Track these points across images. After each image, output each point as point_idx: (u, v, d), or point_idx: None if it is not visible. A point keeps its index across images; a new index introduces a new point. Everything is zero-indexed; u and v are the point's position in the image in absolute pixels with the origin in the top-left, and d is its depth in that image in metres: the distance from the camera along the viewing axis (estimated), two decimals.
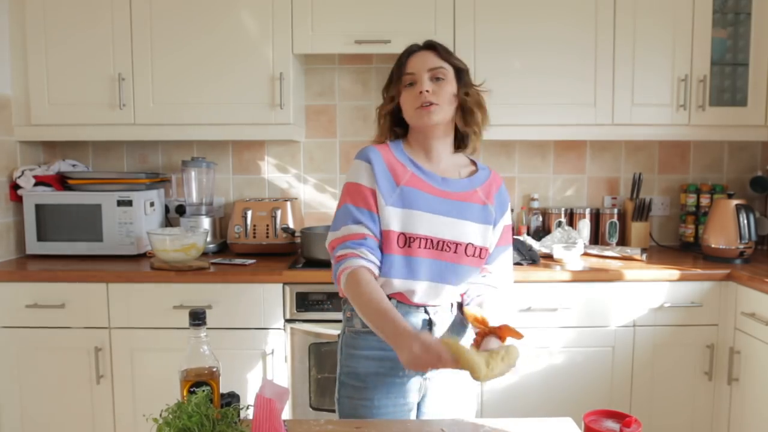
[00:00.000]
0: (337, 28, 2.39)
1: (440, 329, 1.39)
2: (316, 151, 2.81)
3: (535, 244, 2.48)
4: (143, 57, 2.40)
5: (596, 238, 2.73)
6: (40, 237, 2.45)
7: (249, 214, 2.50)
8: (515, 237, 2.54)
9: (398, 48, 2.39)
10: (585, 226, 2.70)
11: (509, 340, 1.25)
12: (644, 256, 2.39)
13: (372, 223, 1.33)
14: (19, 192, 2.45)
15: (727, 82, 2.62)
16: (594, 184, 2.84)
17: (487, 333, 1.27)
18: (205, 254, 2.47)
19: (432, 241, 1.34)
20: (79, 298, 2.19)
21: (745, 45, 2.50)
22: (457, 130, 1.44)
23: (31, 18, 2.40)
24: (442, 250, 1.34)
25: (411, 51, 1.42)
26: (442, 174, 1.40)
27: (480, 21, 2.38)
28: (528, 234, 2.70)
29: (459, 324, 1.44)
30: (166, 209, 2.79)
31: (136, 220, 2.44)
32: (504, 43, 2.39)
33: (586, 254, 2.51)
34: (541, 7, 2.38)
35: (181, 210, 2.72)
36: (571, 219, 2.73)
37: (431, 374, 1.39)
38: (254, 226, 2.51)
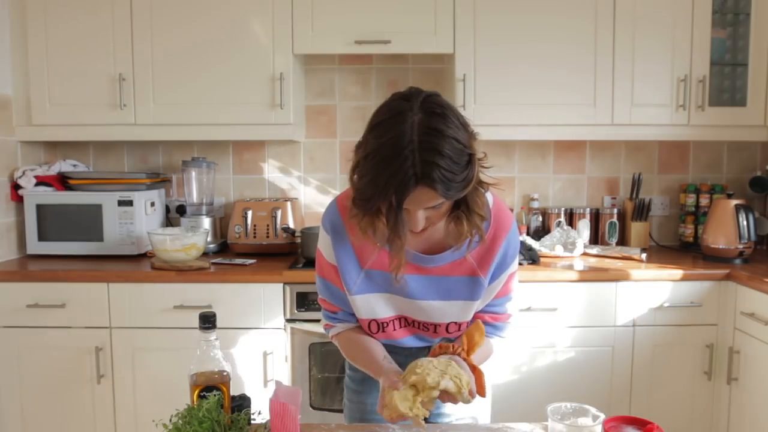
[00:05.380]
0: (337, 29, 2.39)
1: None
2: (317, 151, 2.81)
3: (535, 244, 2.48)
4: (144, 57, 2.40)
5: (596, 238, 2.73)
6: (41, 237, 2.45)
7: (249, 214, 2.51)
8: None
9: (398, 48, 2.44)
10: (585, 226, 2.70)
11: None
12: (644, 256, 2.40)
13: (339, 298, 1.25)
14: (20, 192, 2.45)
15: (726, 82, 2.62)
16: (594, 184, 2.84)
17: (459, 354, 1.10)
18: (205, 254, 2.47)
19: (407, 319, 1.26)
20: (79, 298, 2.19)
21: (745, 45, 2.51)
22: None
23: (32, 18, 2.40)
24: (419, 328, 1.27)
25: (407, 185, 0.98)
26: (425, 242, 1.18)
27: (480, 21, 2.38)
28: (528, 234, 2.70)
29: None
30: (167, 209, 2.79)
31: (136, 220, 2.44)
32: (504, 44, 2.39)
33: (585, 254, 2.51)
34: (540, 7, 2.38)
35: (181, 210, 2.72)
36: (571, 219, 2.73)
37: None
38: (254, 226, 2.51)
